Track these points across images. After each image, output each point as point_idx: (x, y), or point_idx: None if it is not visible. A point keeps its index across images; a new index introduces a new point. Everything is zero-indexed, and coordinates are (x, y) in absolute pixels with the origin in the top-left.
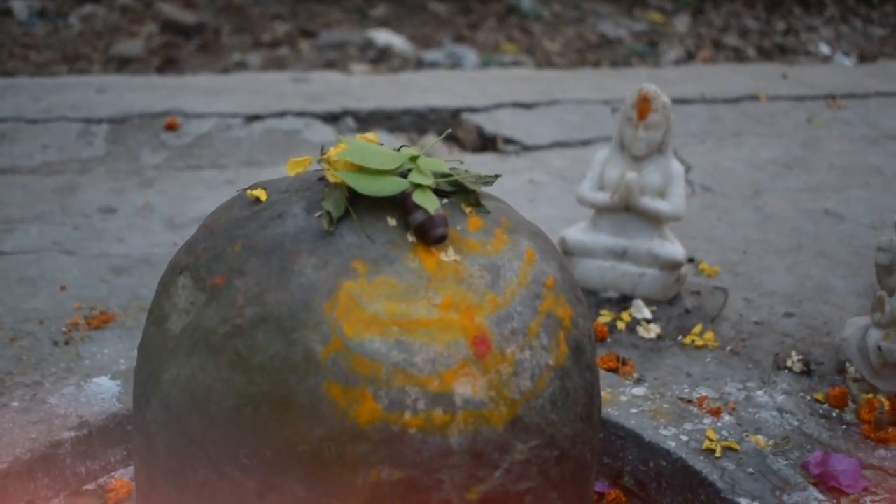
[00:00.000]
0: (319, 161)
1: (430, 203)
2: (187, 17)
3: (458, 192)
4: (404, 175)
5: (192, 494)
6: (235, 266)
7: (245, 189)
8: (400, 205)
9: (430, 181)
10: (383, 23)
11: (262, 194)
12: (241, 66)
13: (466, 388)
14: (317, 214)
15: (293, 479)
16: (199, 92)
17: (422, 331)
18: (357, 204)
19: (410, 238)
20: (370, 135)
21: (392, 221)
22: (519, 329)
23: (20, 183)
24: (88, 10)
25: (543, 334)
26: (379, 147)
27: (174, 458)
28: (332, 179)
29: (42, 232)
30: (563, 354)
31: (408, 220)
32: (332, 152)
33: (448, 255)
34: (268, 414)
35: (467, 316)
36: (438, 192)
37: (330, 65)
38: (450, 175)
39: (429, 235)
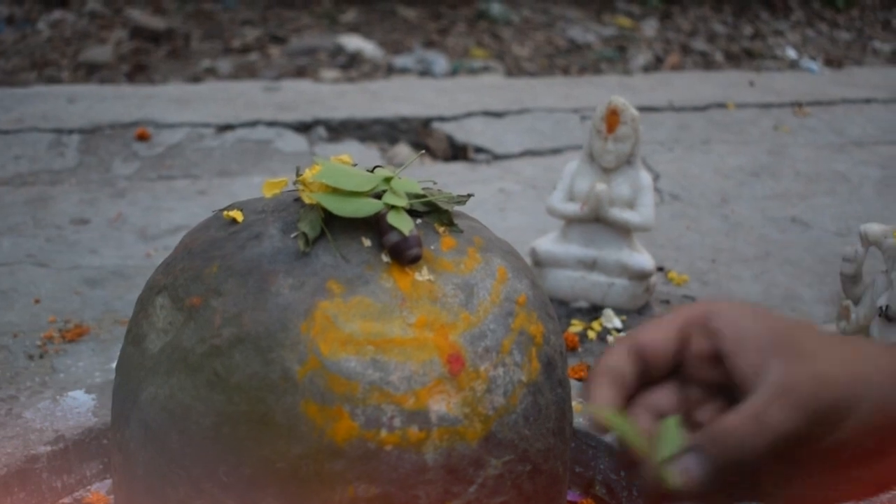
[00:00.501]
0: (295, 182)
1: (404, 224)
2: (157, 23)
3: (431, 212)
4: (378, 196)
5: None
6: (213, 286)
7: (222, 210)
8: (374, 226)
9: (404, 202)
10: (353, 28)
11: (238, 215)
12: (211, 72)
13: (441, 405)
14: (293, 235)
15: (272, 496)
16: (170, 101)
17: (397, 350)
18: (332, 225)
19: (385, 258)
20: (345, 156)
21: (367, 242)
22: (492, 347)
23: None
24: (57, 17)
25: (516, 351)
26: (353, 169)
27: (153, 475)
28: (307, 201)
29: (14, 244)
30: (536, 370)
31: (382, 240)
32: (308, 174)
33: (422, 275)
34: (246, 432)
35: (441, 334)
36: (412, 213)
37: (300, 71)
38: (423, 196)
39: (403, 256)
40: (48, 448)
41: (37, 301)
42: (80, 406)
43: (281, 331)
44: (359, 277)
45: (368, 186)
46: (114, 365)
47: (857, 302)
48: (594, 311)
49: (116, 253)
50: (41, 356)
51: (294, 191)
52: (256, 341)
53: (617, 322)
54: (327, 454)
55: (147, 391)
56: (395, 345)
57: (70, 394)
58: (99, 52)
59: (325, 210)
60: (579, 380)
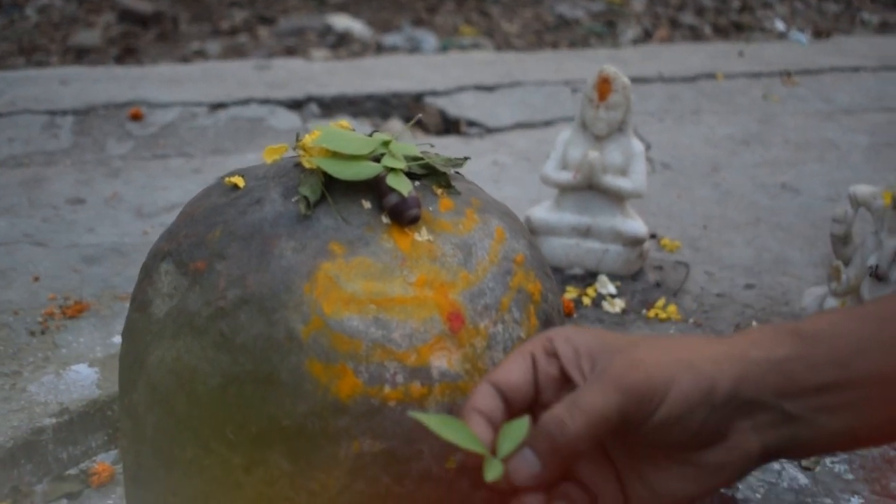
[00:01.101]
0: (295, 148)
1: (403, 186)
2: (145, 6)
3: (429, 174)
4: (377, 160)
5: (181, 471)
6: (216, 251)
7: (223, 177)
8: (374, 188)
9: (402, 165)
10: (341, 8)
11: (240, 181)
12: (200, 54)
13: (442, 361)
14: (294, 199)
15: (278, 454)
16: (161, 81)
17: (398, 308)
18: (332, 188)
19: (385, 220)
20: (343, 121)
21: (367, 204)
22: (491, 304)
23: None
24: (45, 2)
25: (515, 309)
26: (352, 133)
27: (162, 437)
28: (307, 165)
29: (11, 224)
30: (534, 327)
31: (382, 202)
32: (308, 139)
33: (422, 236)
34: (252, 392)
35: (441, 293)
36: (411, 175)
37: (289, 51)
38: (421, 159)
39: (403, 217)
40: (53, 420)
41: (36, 279)
42: (83, 379)
43: (284, 292)
44: (359, 238)
45: (367, 150)
46: (115, 339)
47: (847, 263)
48: (589, 278)
49: (113, 231)
50: (43, 332)
51: (294, 156)
52: (261, 302)
53: (611, 288)
54: (332, 411)
55: (154, 355)
56: (396, 303)
57: (73, 368)
58: (87, 37)
59: (325, 174)
60: None
